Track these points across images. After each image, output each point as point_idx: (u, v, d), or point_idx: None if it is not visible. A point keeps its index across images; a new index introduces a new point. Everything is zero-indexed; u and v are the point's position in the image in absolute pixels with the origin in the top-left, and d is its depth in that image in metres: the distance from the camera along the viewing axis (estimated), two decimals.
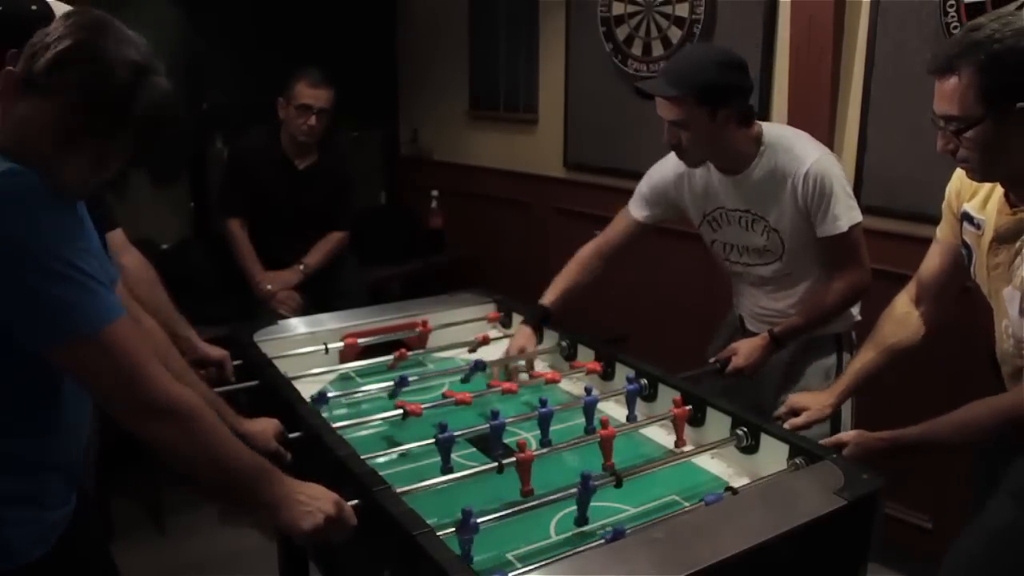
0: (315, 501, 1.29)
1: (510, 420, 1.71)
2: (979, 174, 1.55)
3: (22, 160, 1.13)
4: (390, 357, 2.15)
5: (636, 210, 2.28)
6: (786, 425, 1.76)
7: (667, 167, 2.22)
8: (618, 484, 1.49)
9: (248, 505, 1.30)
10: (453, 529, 1.31)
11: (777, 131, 2.07)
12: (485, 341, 2.25)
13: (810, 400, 1.82)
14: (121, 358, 1.15)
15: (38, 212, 1.11)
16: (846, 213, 1.99)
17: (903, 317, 1.83)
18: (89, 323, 1.13)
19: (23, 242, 1.10)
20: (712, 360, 2.13)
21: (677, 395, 1.79)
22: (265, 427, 1.69)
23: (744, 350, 2.10)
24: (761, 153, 2.03)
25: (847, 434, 1.65)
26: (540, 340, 2.22)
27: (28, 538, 1.26)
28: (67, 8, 1.69)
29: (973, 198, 1.65)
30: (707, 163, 2.10)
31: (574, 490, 1.43)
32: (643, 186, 2.28)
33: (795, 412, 1.79)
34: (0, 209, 1.08)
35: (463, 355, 2.23)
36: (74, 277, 1.12)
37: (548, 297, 2.25)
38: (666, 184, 2.23)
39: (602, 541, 1.30)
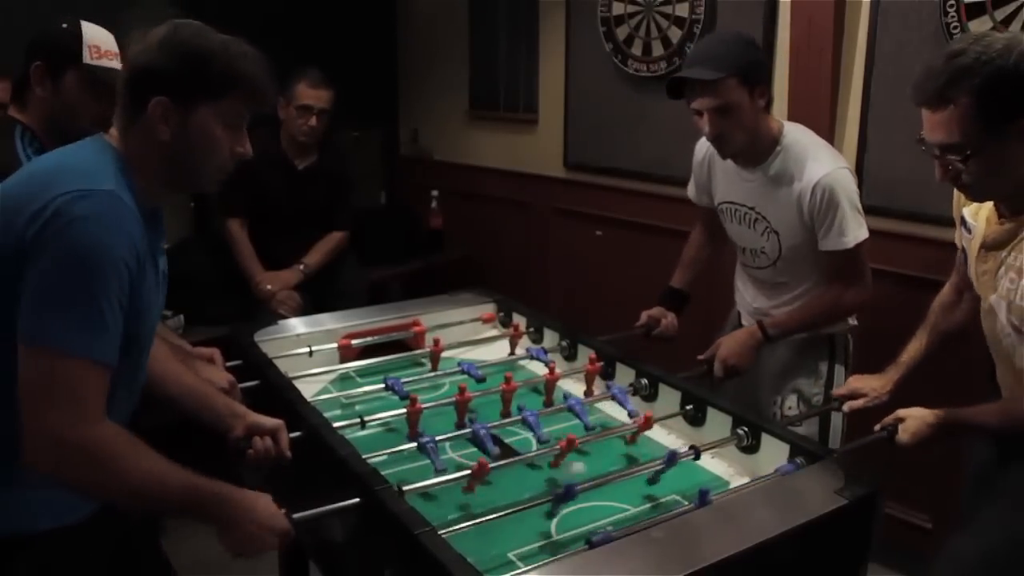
0: (262, 532, 1.28)
1: (495, 424, 1.72)
2: (981, 195, 1.56)
3: (137, 166, 1.27)
4: (391, 357, 2.15)
5: (690, 191, 2.33)
6: (844, 407, 1.85)
7: (700, 148, 2.23)
8: (697, 456, 1.60)
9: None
10: (453, 528, 1.31)
11: (797, 135, 2.04)
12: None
13: (867, 385, 1.86)
14: (55, 387, 1.14)
15: (110, 236, 1.17)
16: (853, 230, 1.97)
17: (951, 304, 1.89)
18: (49, 335, 1.14)
19: (76, 250, 1.14)
20: (700, 358, 2.11)
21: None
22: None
23: (727, 347, 2.06)
24: (777, 153, 2.02)
25: (904, 410, 1.67)
26: (675, 313, 2.31)
27: (65, 501, 1.28)
28: (94, 27, 1.79)
29: (971, 203, 1.66)
30: None
31: (661, 465, 1.53)
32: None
33: (853, 396, 1.85)
34: (87, 221, 1.15)
35: (463, 355, 2.23)
36: (78, 299, 1.14)
37: (674, 279, 2.36)
38: (697, 165, 2.26)
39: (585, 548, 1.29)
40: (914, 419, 1.64)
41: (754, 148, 2.03)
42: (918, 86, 1.45)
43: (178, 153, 1.28)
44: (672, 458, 1.53)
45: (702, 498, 1.39)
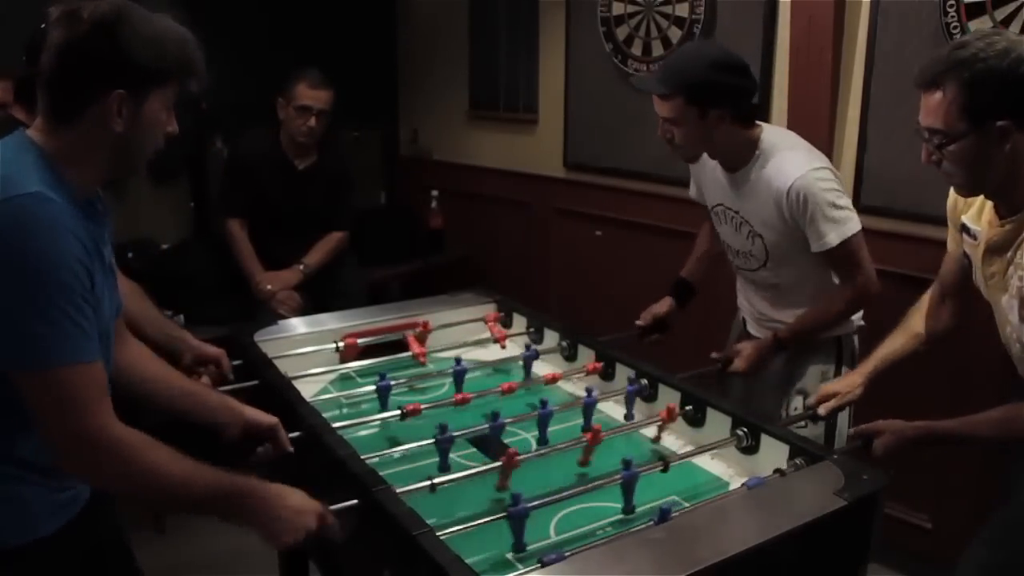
0: (298, 517, 1.28)
1: (509, 420, 1.71)
2: (965, 188, 1.60)
3: (73, 161, 1.22)
4: (391, 357, 2.15)
5: (691, 190, 2.36)
6: (820, 410, 1.83)
7: None
8: (665, 469, 1.55)
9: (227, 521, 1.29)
10: (452, 530, 1.31)
11: (774, 138, 2.05)
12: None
13: (839, 385, 1.87)
14: (63, 398, 1.15)
15: (51, 239, 1.14)
16: (834, 228, 1.97)
17: (932, 310, 1.88)
18: (38, 358, 1.14)
19: (24, 264, 1.12)
20: (714, 356, 2.13)
21: (674, 401, 1.80)
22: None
23: (746, 352, 2.10)
24: (756, 158, 2.03)
25: (883, 423, 1.67)
26: (679, 307, 2.39)
27: (43, 510, 1.28)
28: None
29: (970, 209, 1.69)
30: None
31: (618, 477, 1.46)
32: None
33: (825, 399, 1.84)
34: (21, 230, 1.12)
35: (463, 355, 2.22)
36: (48, 313, 1.13)
37: (685, 269, 2.39)
38: (695, 167, 2.27)
39: (604, 542, 1.30)
40: (891, 433, 1.64)
41: (732, 156, 2.06)
42: (920, 68, 1.51)
43: (128, 142, 1.25)
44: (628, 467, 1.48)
45: (662, 516, 1.36)
